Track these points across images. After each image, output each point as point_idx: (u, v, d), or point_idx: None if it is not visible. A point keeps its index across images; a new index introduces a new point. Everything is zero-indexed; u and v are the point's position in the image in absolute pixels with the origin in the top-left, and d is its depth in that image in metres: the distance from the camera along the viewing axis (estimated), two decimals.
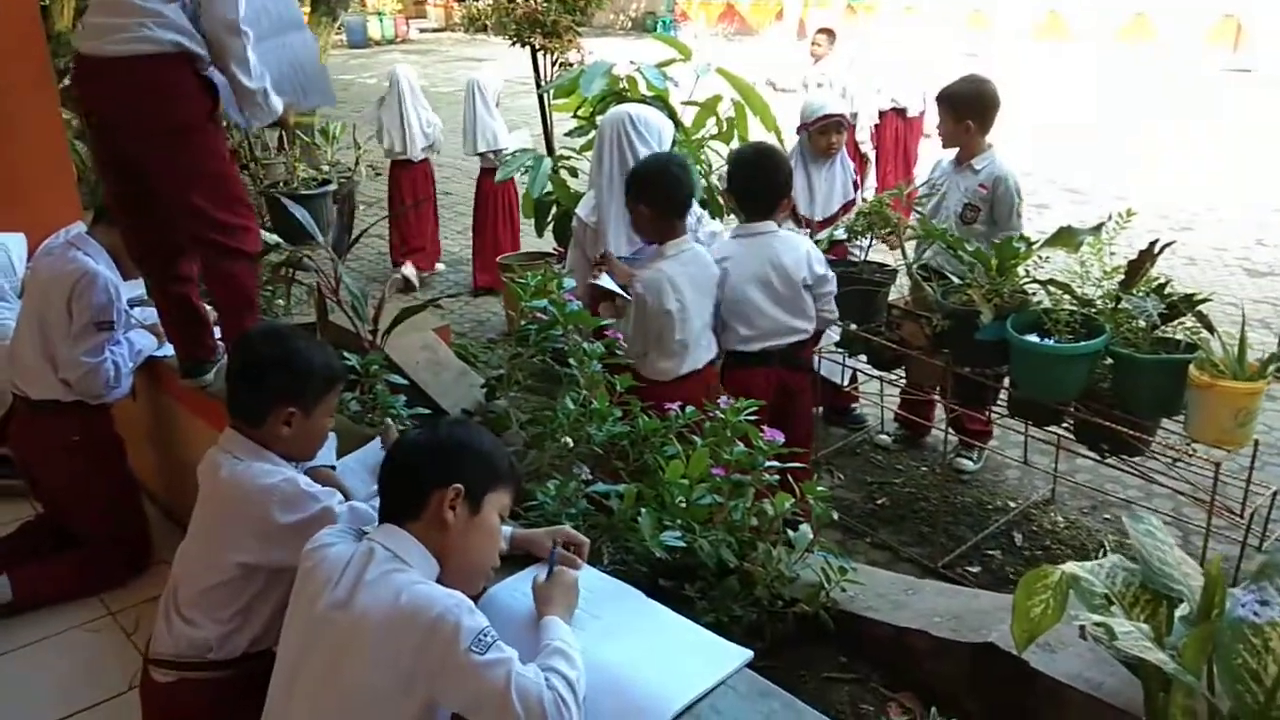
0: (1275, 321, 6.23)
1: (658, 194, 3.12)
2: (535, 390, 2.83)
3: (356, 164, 9.72)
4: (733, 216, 3.70)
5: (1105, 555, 3.77)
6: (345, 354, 2.39)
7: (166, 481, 3.55)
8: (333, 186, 8.65)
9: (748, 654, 1.62)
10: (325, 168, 9.72)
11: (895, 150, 8.30)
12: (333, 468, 2.27)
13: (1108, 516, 4.11)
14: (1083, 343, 3.06)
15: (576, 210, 3.64)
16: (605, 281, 3.04)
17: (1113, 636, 1.26)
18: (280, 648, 1.67)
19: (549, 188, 4.31)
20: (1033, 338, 3.17)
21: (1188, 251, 7.77)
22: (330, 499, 2.05)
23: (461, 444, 1.69)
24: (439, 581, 1.59)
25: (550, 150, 5.17)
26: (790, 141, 4.62)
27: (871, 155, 8.16)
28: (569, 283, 2.62)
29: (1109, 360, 3.14)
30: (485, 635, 1.46)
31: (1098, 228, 3.21)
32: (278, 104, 2.71)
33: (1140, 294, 3.12)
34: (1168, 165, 10.89)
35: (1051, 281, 3.27)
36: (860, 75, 8.30)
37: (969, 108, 4.02)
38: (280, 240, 3.55)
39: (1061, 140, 12.00)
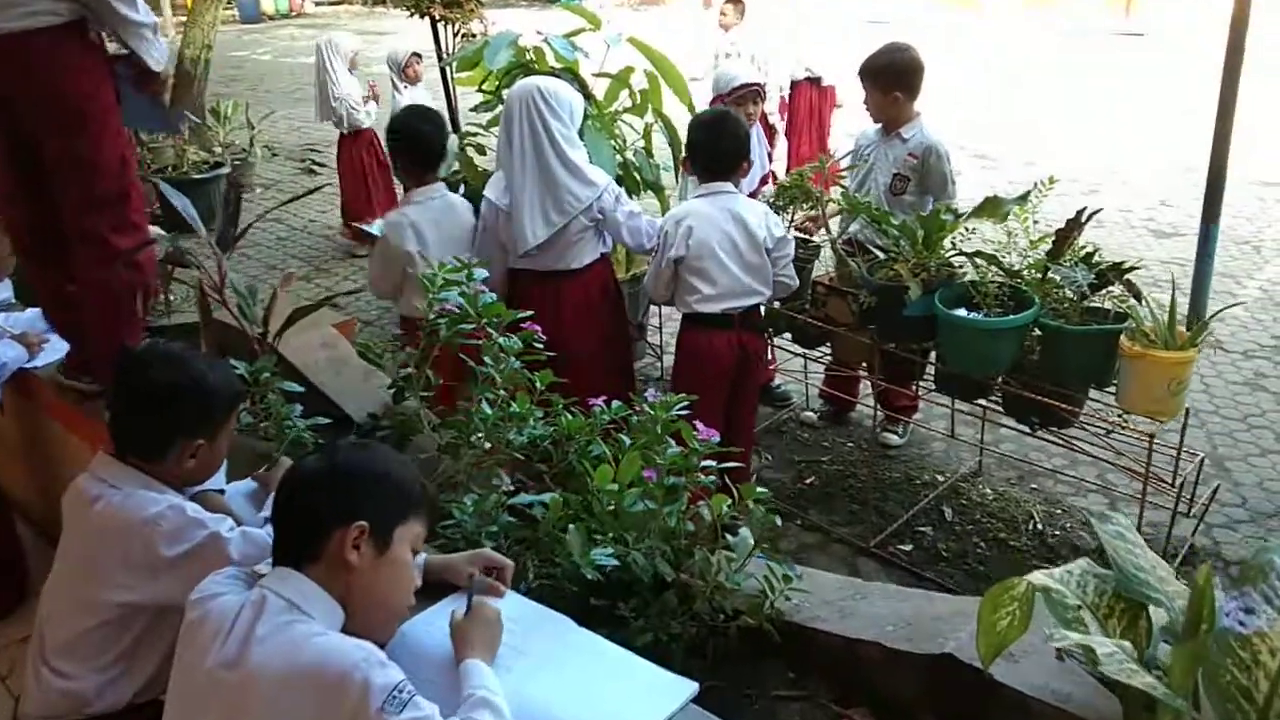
0: (1184, 283, 6.31)
1: (405, 147, 3.54)
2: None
3: (251, 145, 9.28)
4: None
5: (1035, 526, 3.78)
6: (233, 361, 2.16)
7: (43, 501, 3.25)
8: (225, 170, 8.23)
9: (692, 687, 1.47)
10: (217, 149, 9.26)
11: (810, 121, 8.20)
12: (222, 491, 2.05)
13: (1034, 486, 4.09)
14: (1011, 316, 2.98)
15: (486, 192, 3.43)
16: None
17: (1095, 661, 1.14)
18: (166, 711, 1.46)
19: (455, 166, 4.07)
20: (960, 312, 3.09)
21: (1096, 214, 7.86)
22: (220, 525, 1.84)
23: (364, 473, 1.49)
24: (345, 631, 1.40)
25: (455, 127, 4.91)
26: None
27: (780, 127, 8.05)
28: (480, 273, 2.42)
29: (1038, 332, 3.08)
30: (400, 691, 1.27)
31: (1023, 197, 3.14)
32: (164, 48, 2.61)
33: (1068, 263, 3.05)
34: (1072, 129, 11.06)
35: (978, 254, 3.19)
36: (770, 44, 8.18)
37: (895, 79, 3.91)
38: (161, 231, 3.24)
39: (966, 106, 12.10)
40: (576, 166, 3.31)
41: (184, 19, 10.18)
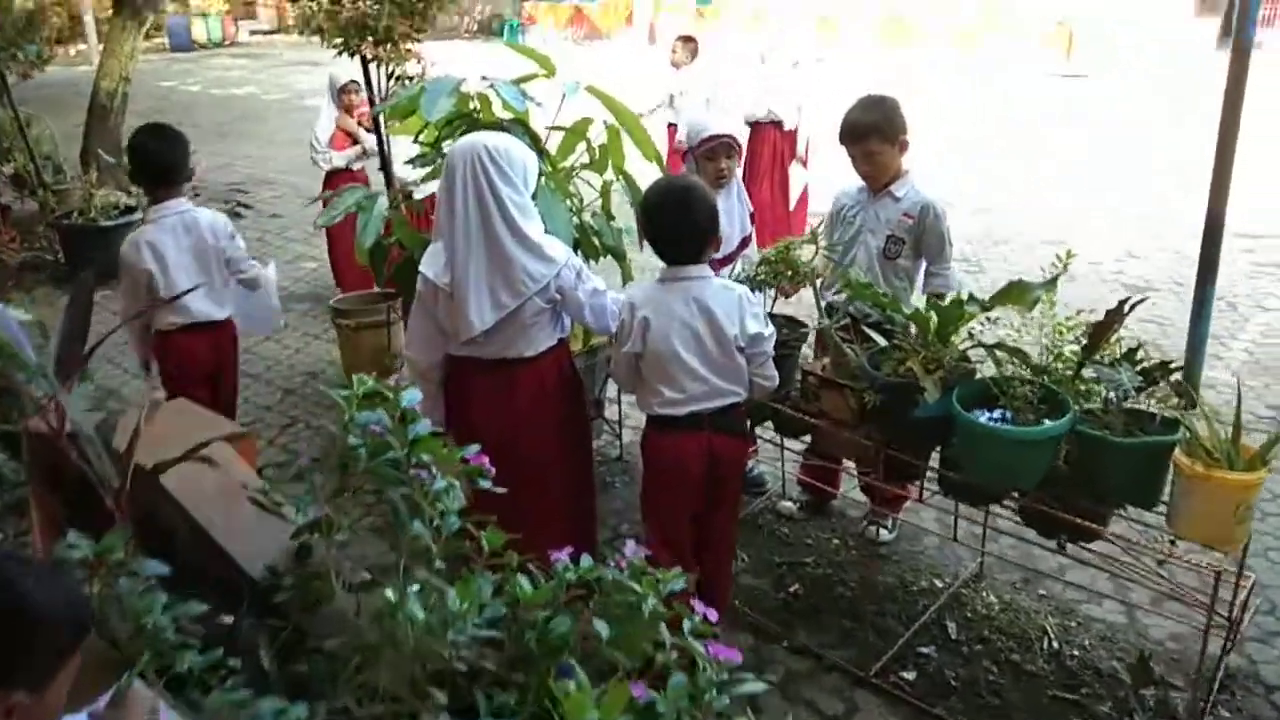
0: (1165, 343, 5.99)
1: (138, 165, 3.63)
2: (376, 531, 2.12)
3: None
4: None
5: (1050, 644, 3.32)
6: (72, 540, 1.60)
7: None
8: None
9: None
10: (132, 192, 8.57)
11: (774, 166, 7.79)
12: None
13: (1043, 592, 3.65)
14: (1047, 424, 2.52)
15: (422, 267, 2.90)
16: None
17: None
18: None
19: (380, 229, 3.53)
20: (983, 415, 2.64)
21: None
22: None
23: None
24: None
25: (389, 181, 4.38)
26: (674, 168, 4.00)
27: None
28: (412, 395, 1.90)
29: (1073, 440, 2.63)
30: None
31: (1052, 281, 2.70)
32: None
33: (1107, 360, 2.61)
34: (1028, 174, 10.85)
35: (999, 346, 2.74)
36: (727, 84, 7.79)
37: (895, 123, 3.52)
38: None
39: (914, 149, 11.88)
40: (531, 240, 2.80)
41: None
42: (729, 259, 3.83)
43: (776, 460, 4.19)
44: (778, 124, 7.67)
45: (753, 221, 4.03)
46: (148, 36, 25.93)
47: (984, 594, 3.62)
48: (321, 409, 5.21)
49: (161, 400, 2.06)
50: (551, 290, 2.83)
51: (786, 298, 3.38)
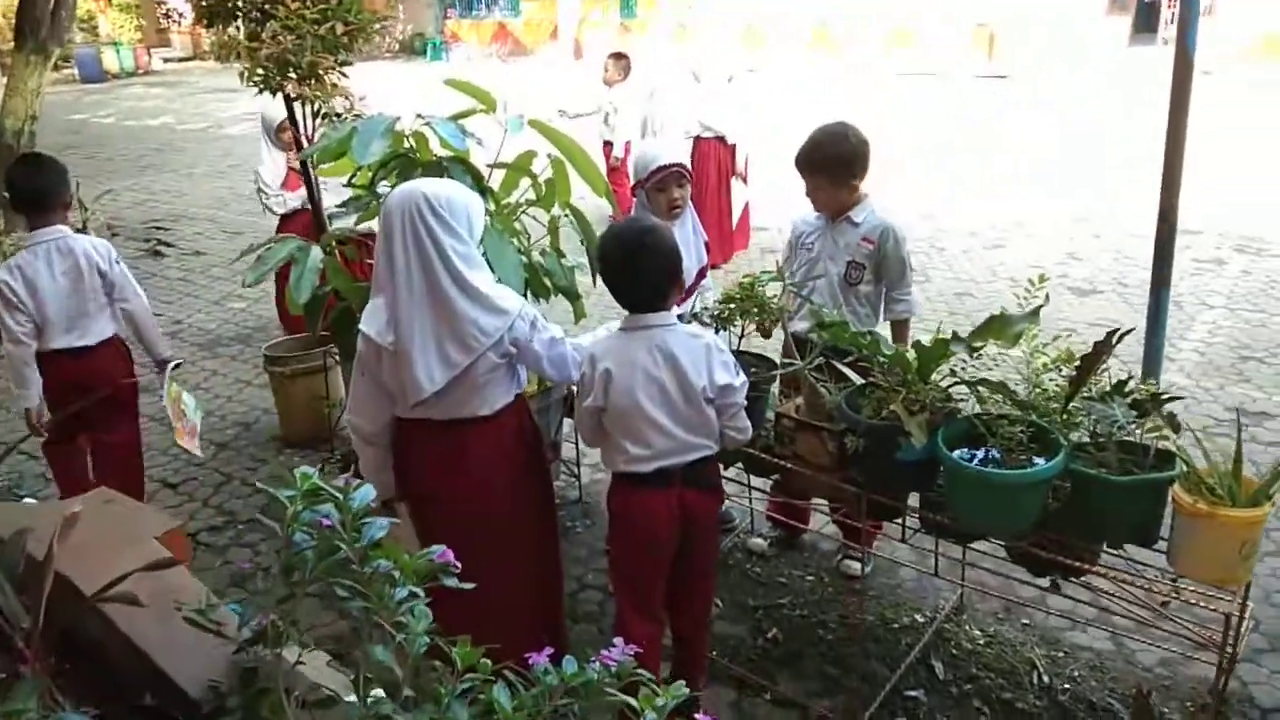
0: (1119, 349, 5.96)
1: (13, 196, 3.60)
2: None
3: (84, 228, 8.19)
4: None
5: (1040, 678, 3.20)
6: None
7: None
8: None
9: None
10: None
11: (720, 184, 7.67)
12: None
13: (1026, 621, 3.54)
14: (1043, 465, 2.40)
15: (362, 326, 2.68)
16: None
17: None
18: None
19: (316, 281, 3.29)
20: (969, 454, 2.50)
21: (1007, 272, 7.57)
22: None
23: None
24: None
25: (321, 227, 4.12)
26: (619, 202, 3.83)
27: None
28: (366, 492, 1.68)
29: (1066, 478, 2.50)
30: None
31: (1034, 313, 2.57)
32: None
33: (1097, 394, 2.50)
34: (962, 180, 10.91)
35: (982, 382, 2.61)
36: (659, 102, 7.65)
37: (849, 168, 3.42)
38: None
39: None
40: (479, 291, 2.59)
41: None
42: (688, 292, 3.67)
43: (744, 495, 4.03)
44: (720, 138, 7.56)
45: (707, 250, 3.87)
46: (56, 68, 25.02)
47: (967, 627, 3.50)
48: (257, 462, 4.94)
49: (75, 521, 1.81)
50: (505, 344, 2.63)
51: (766, 337, 3.21)
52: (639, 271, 2.60)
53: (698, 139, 7.55)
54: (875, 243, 3.51)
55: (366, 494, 1.67)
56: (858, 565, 3.75)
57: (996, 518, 2.50)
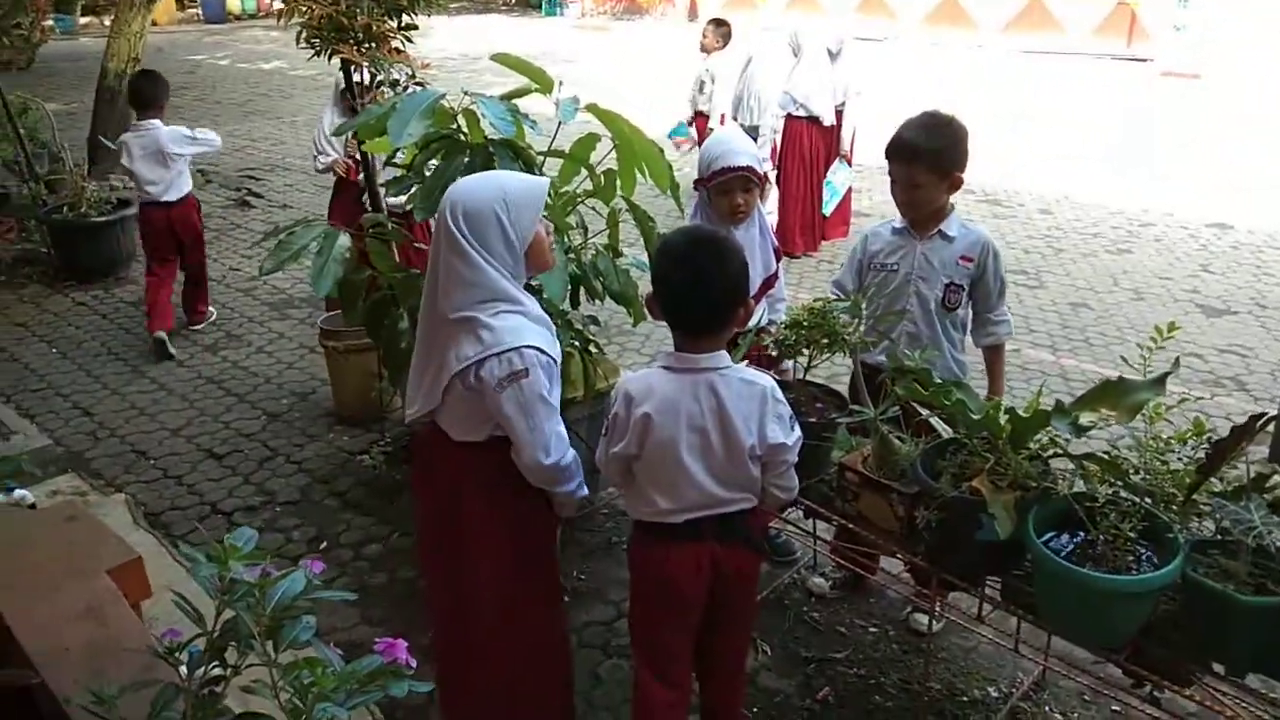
0: (1250, 380, 5.36)
1: (129, 96, 4.52)
2: None
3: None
4: None
5: None
6: None
7: None
8: (133, 209, 7.11)
9: None
10: (130, 184, 8.13)
11: (809, 169, 7.18)
12: None
13: (1117, 709, 3.09)
14: (1153, 574, 1.96)
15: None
16: None
17: None
18: None
19: (340, 271, 3.01)
20: (1062, 538, 2.08)
21: (1130, 282, 6.92)
22: None
23: None
24: None
25: (375, 206, 3.84)
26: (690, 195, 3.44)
27: (772, 176, 7.04)
28: (293, 582, 1.38)
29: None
30: None
31: (1160, 380, 2.11)
32: None
33: (1231, 489, 2.04)
34: (1089, 169, 10.13)
35: (1090, 457, 2.17)
36: (760, 78, 7.16)
37: (957, 157, 2.96)
38: None
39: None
40: (470, 318, 2.25)
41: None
42: (755, 298, 3.29)
43: (806, 524, 3.65)
44: (814, 119, 7.06)
45: (778, 258, 3.46)
46: (181, 6, 25.58)
47: (1046, 709, 3.07)
48: (306, 438, 4.75)
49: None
50: (470, 379, 2.25)
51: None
52: (706, 292, 2.21)
53: (789, 117, 7.06)
54: (975, 259, 3.08)
55: (294, 585, 1.36)
56: (927, 621, 3.34)
57: (1089, 625, 2.08)
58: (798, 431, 2.26)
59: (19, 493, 2.96)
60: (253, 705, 1.39)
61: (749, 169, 3.14)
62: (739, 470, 2.24)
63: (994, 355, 3.27)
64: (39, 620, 1.78)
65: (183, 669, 1.52)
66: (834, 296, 3.12)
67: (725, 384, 2.20)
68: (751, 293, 3.31)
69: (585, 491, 2.45)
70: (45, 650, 1.75)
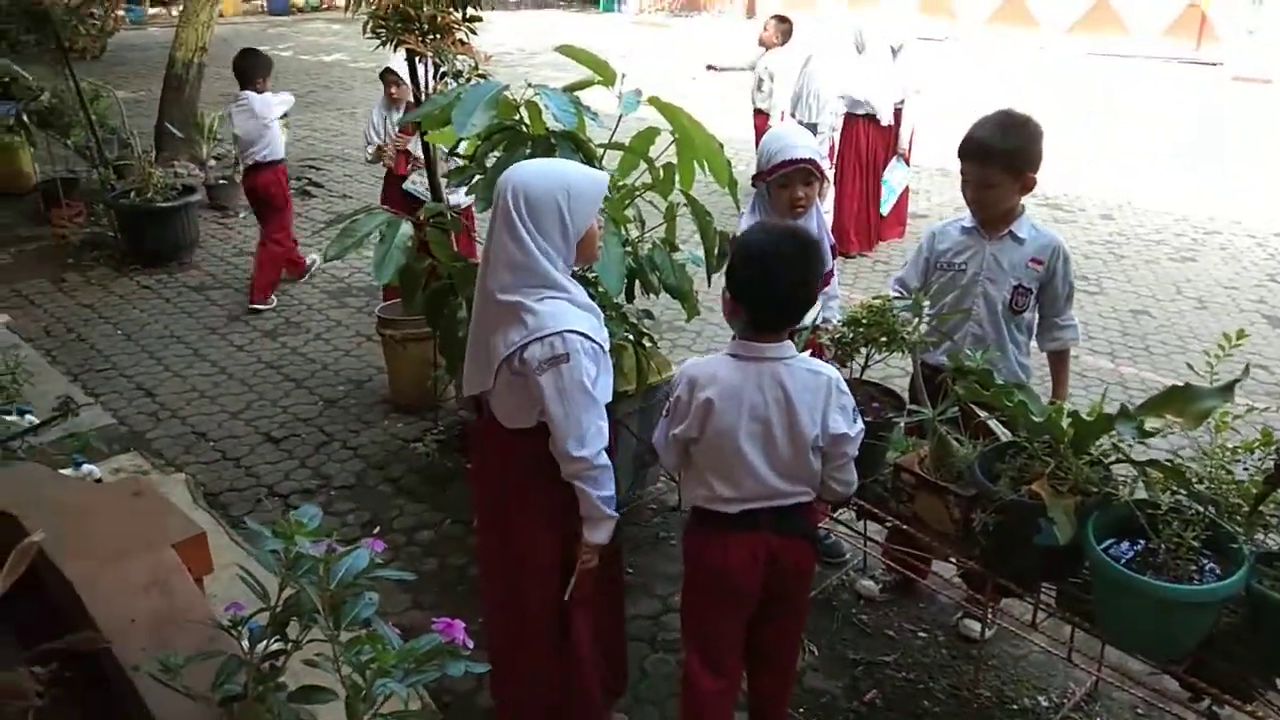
0: None
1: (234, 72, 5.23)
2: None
3: (236, 163, 8.33)
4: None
5: None
6: None
7: None
8: (197, 196, 7.28)
9: None
10: (194, 171, 8.33)
11: (867, 168, 7.13)
12: None
13: None
14: (1217, 585, 1.92)
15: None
16: None
17: None
18: None
19: (402, 259, 3.04)
20: (1123, 545, 2.05)
21: (1194, 290, 6.76)
22: None
23: None
24: None
25: (436, 195, 3.89)
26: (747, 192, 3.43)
27: (830, 176, 6.99)
28: (357, 559, 1.41)
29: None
30: None
31: (1229, 387, 2.07)
32: None
33: None
34: (1153, 174, 9.92)
35: (1153, 463, 2.13)
36: (820, 75, 7.11)
37: (1032, 158, 2.92)
38: None
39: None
40: (516, 302, 2.27)
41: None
42: None
43: (857, 525, 3.63)
44: (872, 118, 7.00)
45: (834, 255, 3.43)
46: None
47: None
48: (361, 425, 4.82)
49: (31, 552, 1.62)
50: (515, 362, 2.26)
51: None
52: (789, 287, 2.21)
53: (848, 115, 7.01)
54: (1044, 262, 3.04)
55: (358, 562, 1.38)
56: (978, 628, 3.31)
57: (1150, 635, 2.04)
58: (860, 424, 2.26)
59: (86, 468, 3.05)
60: (313, 679, 1.41)
61: (810, 161, 3.12)
62: (800, 462, 2.24)
63: (1059, 360, 3.22)
64: (106, 590, 1.83)
65: (245, 642, 1.56)
66: (895, 294, 3.09)
67: (790, 374, 2.21)
68: None
69: (616, 513, 2.39)
70: (112, 619, 1.80)
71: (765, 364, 2.22)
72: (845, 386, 2.25)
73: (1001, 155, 2.90)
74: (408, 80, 4.85)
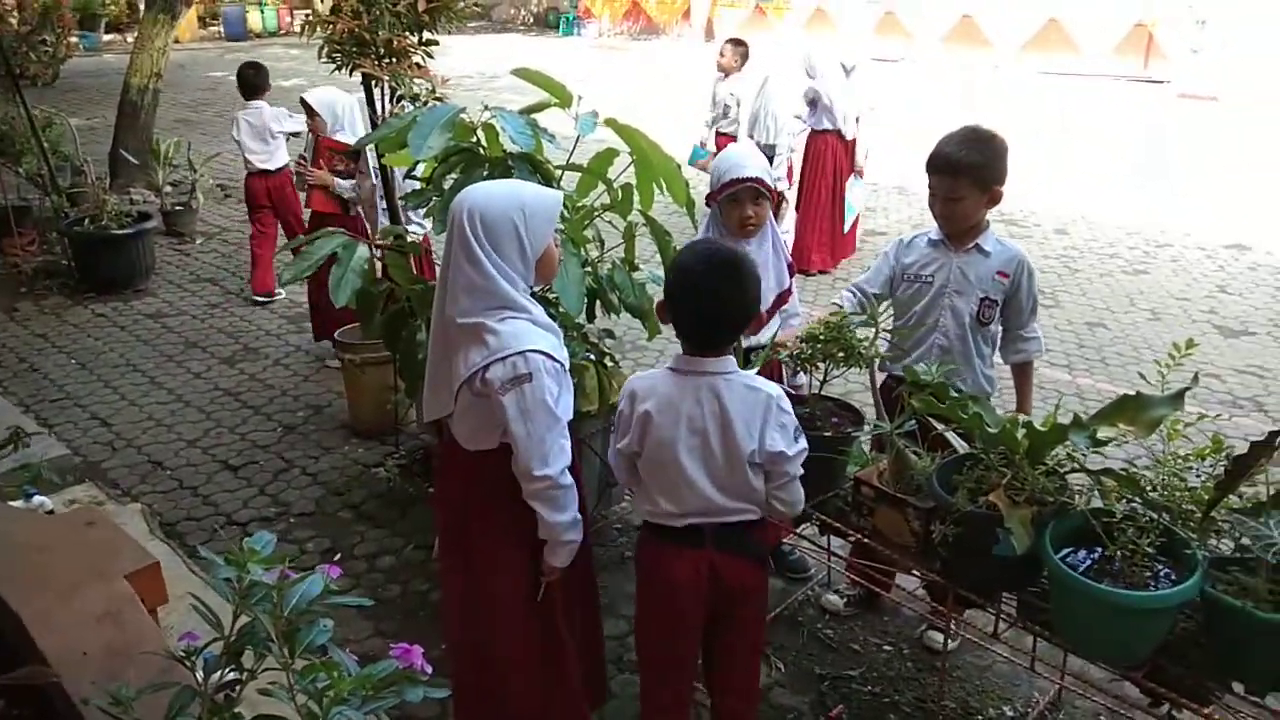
0: (1269, 401, 5.32)
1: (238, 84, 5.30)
2: None
3: (193, 189, 8.27)
4: None
5: None
6: None
7: None
8: (153, 223, 7.20)
9: None
10: (150, 197, 8.25)
11: (833, 183, 7.21)
12: None
13: None
14: (1171, 590, 1.95)
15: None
16: None
17: None
18: None
19: (358, 281, 3.03)
20: (1079, 554, 2.07)
21: (1147, 302, 6.89)
22: None
23: None
24: None
25: (394, 218, 3.88)
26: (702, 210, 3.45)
27: (790, 194, 7.07)
28: (311, 585, 1.39)
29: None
30: None
31: (1179, 395, 2.10)
32: None
33: (1248, 502, 2.03)
34: (1106, 189, 10.11)
35: (1107, 472, 2.16)
36: (776, 97, 7.18)
37: (1000, 171, 2.97)
38: None
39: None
40: (477, 323, 2.26)
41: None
42: (762, 318, 3.30)
43: (820, 540, 3.64)
44: (836, 133, 7.10)
45: (791, 274, 3.46)
46: (204, 24, 25.82)
47: None
48: (321, 450, 4.77)
49: None
50: (477, 383, 2.24)
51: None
52: (715, 305, 2.24)
53: (813, 132, 7.10)
54: (1010, 275, 3.08)
55: (312, 588, 1.37)
56: (942, 639, 3.32)
57: (1108, 641, 2.07)
58: (802, 443, 2.26)
59: (38, 499, 2.99)
60: (269, 708, 1.39)
61: (758, 180, 3.16)
62: (738, 477, 2.24)
63: (1022, 373, 3.27)
64: (57, 623, 1.80)
65: (199, 673, 1.53)
66: (849, 299, 3.15)
67: (728, 388, 2.22)
68: (765, 308, 3.35)
69: (577, 537, 2.38)
70: (63, 652, 1.76)
71: (704, 378, 2.24)
72: (787, 405, 2.25)
73: (969, 169, 2.95)
74: (320, 113, 5.25)
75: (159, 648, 1.80)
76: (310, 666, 1.30)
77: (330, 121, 5.33)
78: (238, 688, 1.54)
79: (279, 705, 1.37)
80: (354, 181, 5.26)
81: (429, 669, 1.50)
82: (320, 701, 1.35)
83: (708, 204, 3.31)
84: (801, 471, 2.28)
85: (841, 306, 3.08)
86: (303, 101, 5.47)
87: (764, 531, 2.41)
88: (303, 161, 5.64)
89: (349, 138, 5.27)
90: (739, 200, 3.18)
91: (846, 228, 7.38)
